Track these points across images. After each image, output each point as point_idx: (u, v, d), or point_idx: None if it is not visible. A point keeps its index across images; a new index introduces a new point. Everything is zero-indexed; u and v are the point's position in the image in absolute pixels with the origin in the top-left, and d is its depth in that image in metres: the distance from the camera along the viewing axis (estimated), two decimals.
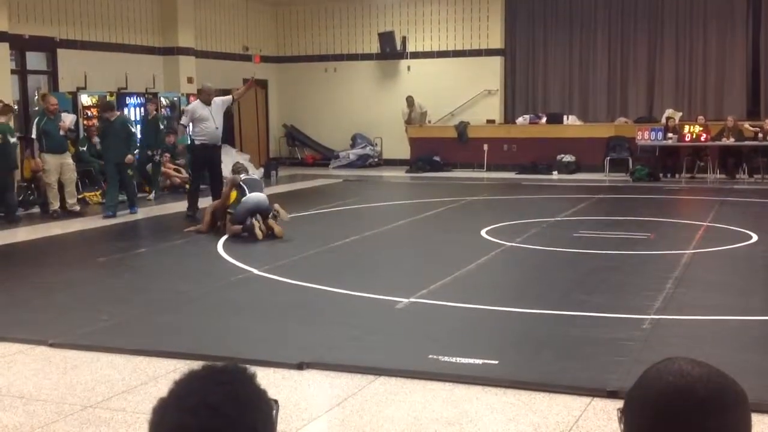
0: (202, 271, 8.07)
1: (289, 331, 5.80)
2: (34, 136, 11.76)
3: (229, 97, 11.65)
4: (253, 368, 1.23)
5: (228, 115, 18.31)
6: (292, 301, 6.70)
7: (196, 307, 6.58)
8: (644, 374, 1.22)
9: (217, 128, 11.11)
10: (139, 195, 13.15)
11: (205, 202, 11.06)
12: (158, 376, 4.88)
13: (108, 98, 14.42)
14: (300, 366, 4.92)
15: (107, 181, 12.08)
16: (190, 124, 11.25)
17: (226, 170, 16.70)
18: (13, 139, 11.65)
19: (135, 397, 4.55)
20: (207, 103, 11.09)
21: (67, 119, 12.87)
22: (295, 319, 6.12)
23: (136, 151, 13.34)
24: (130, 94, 15.38)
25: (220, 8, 18.69)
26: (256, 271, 7.73)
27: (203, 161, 11.32)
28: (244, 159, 17.53)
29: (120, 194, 12.44)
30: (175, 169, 14.84)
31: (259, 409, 1.18)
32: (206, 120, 11.02)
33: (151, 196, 13.90)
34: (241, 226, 9.49)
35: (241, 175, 9.94)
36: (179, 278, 7.76)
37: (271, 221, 9.48)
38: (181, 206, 11.79)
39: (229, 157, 17.32)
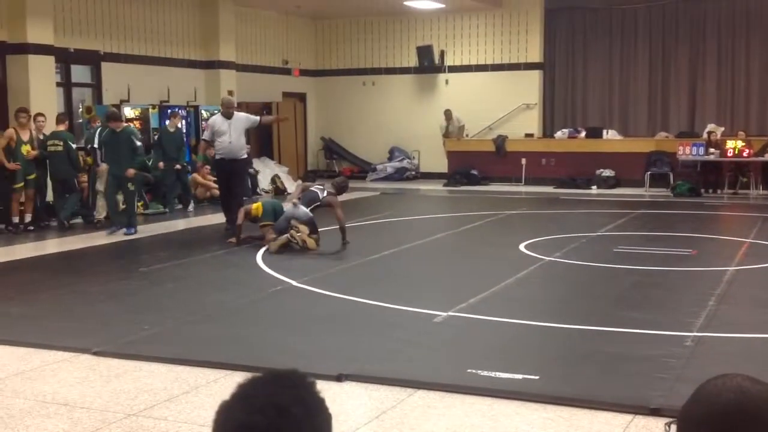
0: (241, 282, 8.13)
1: (328, 342, 5.82)
2: (96, 145, 12.00)
3: (256, 118, 11.50)
4: (312, 377, 1.24)
5: (266, 128, 18.62)
6: (330, 313, 6.73)
7: (235, 317, 6.64)
8: (700, 389, 1.21)
9: (230, 143, 10.80)
10: (149, 211, 13.35)
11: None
12: (199, 386, 4.93)
13: (154, 110, 14.69)
14: (339, 378, 4.93)
15: (106, 195, 11.78)
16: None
17: (265, 182, 16.95)
18: (75, 145, 12.04)
19: (177, 406, 4.60)
20: (227, 116, 10.88)
21: None
22: (334, 331, 6.14)
23: (161, 164, 13.58)
24: (172, 107, 15.59)
25: (261, 22, 18.90)
26: (294, 283, 7.77)
27: (223, 175, 11.19)
28: (282, 171, 17.72)
29: (159, 206, 12.65)
30: (214, 181, 14.99)
31: (323, 413, 1.20)
32: (223, 134, 10.82)
33: (190, 207, 14.03)
34: (281, 235, 9.58)
35: (310, 186, 10.25)
36: (219, 289, 7.83)
37: (303, 234, 9.52)
38: (221, 218, 11.90)
39: (268, 169, 17.52)
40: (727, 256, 9.04)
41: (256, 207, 10.33)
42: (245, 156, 11.26)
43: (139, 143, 11.44)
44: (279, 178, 17.25)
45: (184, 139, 14.63)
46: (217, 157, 11.07)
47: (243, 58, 17.97)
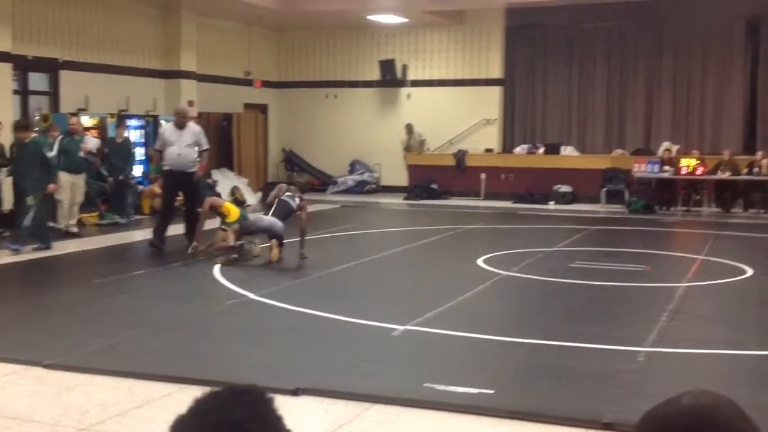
0: (198, 295, 8.07)
1: (285, 356, 5.80)
2: (54, 153, 11.47)
3: (205, 143, 10.70)
4: (271, 393, 1.24)
5: (228, 138, 18.53)
6: (287, 327, 6.71)
7: (191, 330, 6.58)
8: (658, 405, 1.22)
9: (179, 155, 10.35)
10: (104, 222, 13.10)
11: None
12: (152, 400, 4.88)
13: (112, 119, 14.48)
14: (295, 392, 4.92)
15: (15, 213, 10.88)
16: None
17: (224, 193, 16.83)
18: (51, 153, 10.96)
19: (129, 420, 4.55)
20: (180, 126, 10.49)
21: (90, 142, 12.99)
22: (291, 345, 6.13)
23: (110, 177, 13.35)
24: (131, 117, 15.45)
25: (223, 33, 18.83)
26: (252, 296, 7.74)
27: (171, 188, 10.75)
28: (242, 183, 17.63)
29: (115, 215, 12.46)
30: (161, 193, 14.84)
31: (280, 431, 1.20)
32: (172, 144, 10.40)
33: (123, 220, 13.32)
34: (233, 245, 9.53)
35: (287, 193, 10.05)
36: (175, 301, 7.76)
37: (274, 246, 9.52)
38: (176, 229, 11.78)
39: (228, 180, 17.42)
40: (679, 272, 9.21)
41: (229, 207, 10.23)
42: (195, 169, 10.64)
43: (51, 154, 10.65)
44: (238, 189, 17.16)
45: (132, 150, 14.17)
46: (165, 167, 10.61)
47: (204, 68, 17.87)
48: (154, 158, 11.79)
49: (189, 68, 17.16)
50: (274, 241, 9.52)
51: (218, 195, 15.37)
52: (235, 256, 9.60)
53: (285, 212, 9.76)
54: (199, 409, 1.18)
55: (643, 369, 5.42)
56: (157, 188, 14.58)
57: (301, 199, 10.10)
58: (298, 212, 9.89)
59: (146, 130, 15.54)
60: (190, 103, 17.06)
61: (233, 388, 1.21)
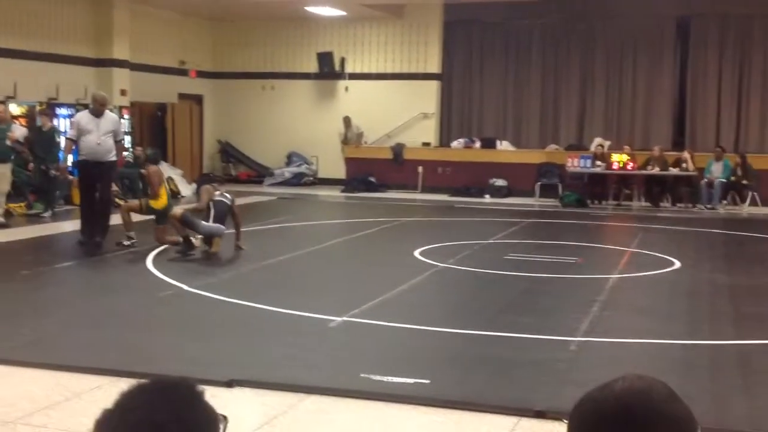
0: (130, 287, 7.92)
1: (219, 348, 5.74)
2: None
3: (123, 132, 10.40)
4: (202, 387, 1.19)
5: (161, 128, 18.22)
6: (222, 318, 6.63)
7: (123, 322, 6.46)
8: (592, 390, 1.23)
9: (98, 144, 9.71)
10: (33, 212, 12.75)
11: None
12: (81, 393, 4.77)
13: (41, 107, 14.08)
14: (230, 384, 4.87)
15: None
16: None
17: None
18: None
19: (57, 414, 4.44)
20: (96, 114, 9.84)
21: (18, 131, 12.58)
22: (225, 336, 6.06)
23: (31, 165, 12.89)
24: (61, 105, 15.05)
25: (157, 21, 18.48)
26: (186, 287, 7.62)
27: (87, 180, 10.01)
28: (176, 174, 17.35)
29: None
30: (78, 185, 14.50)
31: (208, 428, 1.15)
32: (89, 133, 9.71)
33: (46, 213, 12.79)
34: (180, 238, 9.40)
35: (216, 193, 9.71)
36: (106, 293, 7.60)
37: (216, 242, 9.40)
38: (111, 219, 11.50)
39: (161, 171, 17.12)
40: (610, 264, 9.42)
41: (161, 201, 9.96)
42: (113, 159, 10.06)
43: None
44: (173, 180, 16.88)
45: (56, 139, 13.66)
46: (81, 158, 9.91)
47: (137, 57, 17.51)
48: (65, 147, 10.79)
49: (122, 57, 16.79)
50: (216, 239, 9.42)
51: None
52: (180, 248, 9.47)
53: (224, 213, 9.59)
54: (121, 406, 1.14)
55: (575, 358, 5.52)
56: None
57: (232, 198, 9.89)
58: (232, 206, 9.75)
59: None
60: (123, 93, 16.72)
61: (161, 384, 1.17)
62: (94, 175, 9.96)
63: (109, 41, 16.55)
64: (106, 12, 16.51)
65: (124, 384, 1.22)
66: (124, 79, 16.80)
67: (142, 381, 1.17)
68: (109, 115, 10.17)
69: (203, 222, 9.36)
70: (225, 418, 1.19)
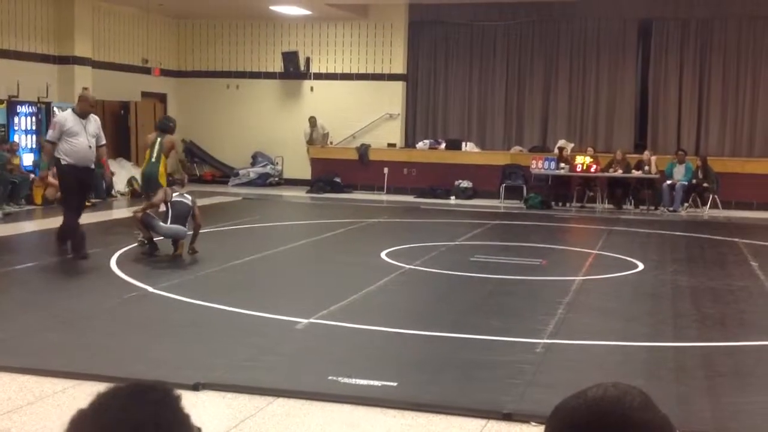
0: (94, 288, 7.81)
1: (185, 350, 5.68)
2: None
3: (102, 136, 9.52)
4: (179, 391, 1.19)
5: (124, 127, 18.00)
6: (188, 320, 6.57)
7: (86, 325, 6.37)
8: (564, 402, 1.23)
9: (90, 147, 9.05)
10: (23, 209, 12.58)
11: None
12: (45, 396, 4.69)
13: (1, 105, 13.84)
14: (196, 387, 4.83)
15: None
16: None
17: (120, 184, 16.35)
18: None
19: (21, 417, 4.36)
20: (83, 115, 9.08)
21: None
22: (191, 339, 6.01)
23: None
24: (22, 103, 14.81)
25: (120, 18, 18.26)
26: (150, 289, 7.54)
27: (75, 187, 9.15)
28: (139, 173, 17.14)
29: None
30: (61, 192, 14.30)
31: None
32: (76, 135, 8.91)
33: None
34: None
35: (175, 194, 9.53)
36: (69, 295, 7.49)
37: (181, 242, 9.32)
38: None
39: (124, 171, 16.93)
40: (575, 266, 9.51)
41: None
42: (93, 166, 9.48)
43: None
44: (136, 180, 16.68)
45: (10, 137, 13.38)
46: (66, 162, 8.96)
47: (100, 54, 17.29)
48: (46, 150, 9.69)
49: (84, 54, 16.57)
50: (181, 241, 9.32)
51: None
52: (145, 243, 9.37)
53: (184, 214, 9.44)
54: (97, 407, 1.13)
55: (541, 360, 5.56)
56: (51, 177, 14.03)
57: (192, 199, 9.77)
58: (193, 208, 9.60)
59: (38, 117, 14.94)
60: (85, 90, 16.48)
61: (137, 387, 1.16)
62: (84, 181, 9.26)
63: (71, 38, 16.32)
64: (68, 9, 16.27)
65: (89, 387, 1.21)
66: (86, 77, 16.58)
67: (118, 384, 1.17)
68: (94, 118, 9.39)
69: (162, 223, 9.25)
70: (200, 429, 1.19)
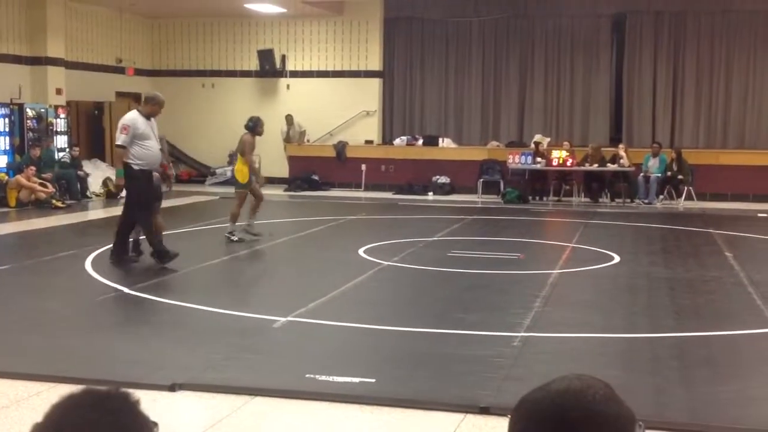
0: (69, 290, 7.74)
1: (161, 351, 5.65)
2: None
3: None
4: (137, 394, 1.18)
5: (99, 128, 17.86)
6: (164, 321, 6.54)
7: (62, 327, 6.31)
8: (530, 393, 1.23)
9: (161, 149, 8.96)
10: None
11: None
12: (21, 400, 4.65)
13: None
14: (172, 387, 4.80)
15: None
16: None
17: (96, 185, 16.22)
18: None
19: None
20: (149, 117, 8.76)
21: None
22: (168, 339, 5.97)
23: None
24: None
25: (93, 18, 18.09)
26: (126, 290, 7.49)
27: (151, 190, 8.76)
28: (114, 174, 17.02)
29: None
30: (40, 183, 14.21)
31: None
32: (148, 138, 8.58)
33: None
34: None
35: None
36: (45, 297, 7.42)
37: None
38: (48, 222, 11.27)
39: (99, 171, 16.79)
40: (551, 259, 9.55)
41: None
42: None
43: None
44: (111, 180, 16.56)
45: None
46: (139, 166, 8.54)
47: (73, 55, 17.13)
48: (119, 155, 8.92)
49: (56, 55, 16.40)
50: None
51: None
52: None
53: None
54: (53, 420, 1.10)
55: (518, 354, 5.58)
56: (24, 179, 13.89)
57: None
58: None
59: (11, 119, 14.78)
60: (58, 91, 16.34)
61: (94, 395, 1.14)
62: (157, 187, 8.94)
63: (43, 39, 16.15)
64: (40, 9, 16.10)
65: (64, 390, 1.18)
66: (60, 77, 16.42)
67: (74, 392, 1.14)
68: (154, 120, 8.94)
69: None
70: (156, 424, 1.17)
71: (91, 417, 1.09)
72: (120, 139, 8.59)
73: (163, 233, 9.26)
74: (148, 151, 8.61)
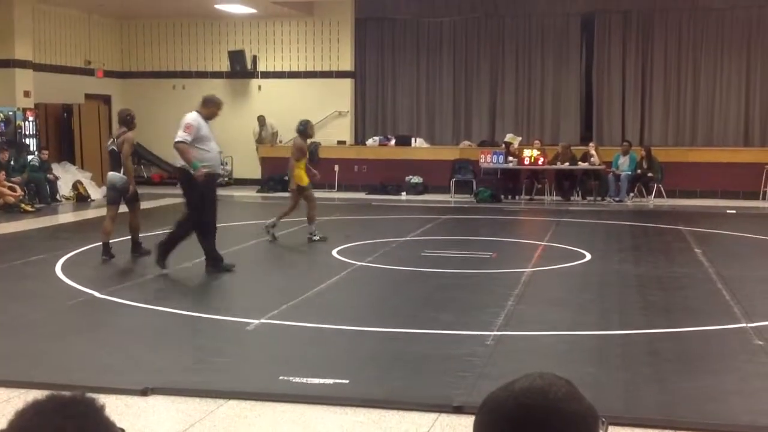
0: (39, 294, 7.65)
1: (133, 355, 5.60)
2: None
3: None
4: (102, 399, 1.17)
5: (68, 130, 17.66)
6: (136, 325, 6.48)
7: (32, 332, 6.23)
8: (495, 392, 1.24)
9: (220, 152, 8.61)
10: None
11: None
12: None
13: None
14: (144, 392, 4.76)
15: None
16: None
17: (66, 188, 16.04)
18: None
19: None
20: (208, 119, 8.63)
21: None
22: (139, 343, 5.92)
23: None
24: None
25: (61, 20, 17.90)
26: (97, 294, 7.42)
27: (213, 194, 8.58)
28: (85, 177, 16.86)
29: None
30: (9, 187, 14.03)
31: None
32: (209, 140, 8.46)
33: None
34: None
35: None
36: (14, 301, 7.32)
37: None
38: (17, 226, 11.12)
39: (69, 174, 16.61)
40: (524, 258, 9.61)
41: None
42: None
43: None
44: (81, 183, 16.41)
45: None
46: (206, 167, 8.36)
47: (41, 57, 16.93)
48: (184, 149, 8.42)
49: (24, 57, 16.21)
50: None
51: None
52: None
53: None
54: (19, 426, 1.09)
55: (491, 352, 5.61)
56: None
57: None
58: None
59: None
60: (26, 94, 16.15)
61: (57, 401, 1.13)
62: (214, 188, 8.71)
63: (10, 41, 15.95)
64: (6, 10, 15.90)
65: (35, 396, 1.17)
66: (27, 79, 16.23)
67: (38, 399, 1.13)
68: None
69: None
70: (123, 430, 1.17)
71: (55, 423, 1.08)
72: (181, 136, 8.35)
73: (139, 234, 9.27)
74: (210, 154, 8.48)
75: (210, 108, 8.64)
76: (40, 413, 1.10)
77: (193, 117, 8.48)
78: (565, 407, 1.19)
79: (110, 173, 9.56)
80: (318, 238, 10.67)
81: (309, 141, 11.35)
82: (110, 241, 9.27)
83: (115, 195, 9.33)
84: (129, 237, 9.55)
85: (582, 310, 7.07)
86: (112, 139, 9.78)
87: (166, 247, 8.55)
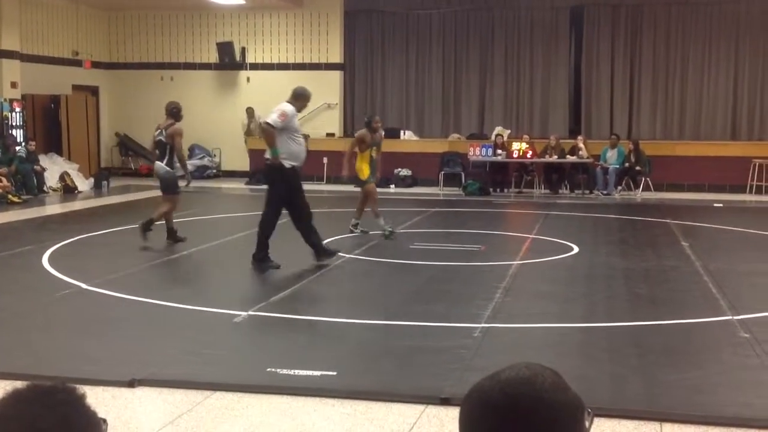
0: (25, 286, 7.62)
1: (120, 347, 5.59)
2: None
3: None
4: (82, 388, 1.17)
5: (55, 121, 17.55)
6: (123, 316, 6.46)
7: (19, 323, 6.21)
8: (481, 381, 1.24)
9: (307, 147, 8.81)
10: None
11: None
12: None
13: None
14: (131, 383, 4.75)
15: None
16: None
17: (53, 180, 15.96)
18: None
19: None
20: (297, 111, 8.52)
21: None
22: (127, 335, 5.91)
23: None
24: None
25: (49, 10, 17.78)
26: (84, 286, 7.39)
27: (298, 190, 8.56)
28: (72, 168, 16.77)
29: None
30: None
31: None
32: (297, 133, 8.40)
33: None
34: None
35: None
36: (1, 293, 7.28)
37: None
38: (4, 217, 11.05)
39: (57, 166, 16.52)
40: (512, 251, 9.63)
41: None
42: None
43: None
44: (68, 175, 16.33)
45: None
46: (290, 164, 8.31)
47: (28, 47, 16.82)
48: (270, 134, 8.32)
49: (11, 47, 16.10)
50: None
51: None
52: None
53: None
54: (2, 415, 1.08)
55: (478, 345, 5.62)
56: None
57: None
58: None
59: None
60: (13, 85, 16.04)
61: (38, 390, 1.12)
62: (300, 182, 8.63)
63: None
64: None
65: (24, 387, 1.16)
66: (15, 70, 16.12)
67: (18, 388, 1.12)
68: None
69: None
70: (105, 421, 1.16)
71: (34, 411, 1.08)
72: (273, 120, 8.19)
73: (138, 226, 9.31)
74: (299, 147, 8.45)
75: (301, 101, 8.60)
76: (19, 402, 1.10)
77: (289, 107, 8.35)
78: (551, 397, 1.19)
79: (157, 163, 9.84)
80: (389, 230, 10.31)
81: (371, 134, 10.83)
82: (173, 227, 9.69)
83: (162, 185, 9.72)
84: (133, 226, 9.56)
85: (569, 303, 7.10)
86: (159, 130, 9.90)
87: (261, 255, 8.44)
